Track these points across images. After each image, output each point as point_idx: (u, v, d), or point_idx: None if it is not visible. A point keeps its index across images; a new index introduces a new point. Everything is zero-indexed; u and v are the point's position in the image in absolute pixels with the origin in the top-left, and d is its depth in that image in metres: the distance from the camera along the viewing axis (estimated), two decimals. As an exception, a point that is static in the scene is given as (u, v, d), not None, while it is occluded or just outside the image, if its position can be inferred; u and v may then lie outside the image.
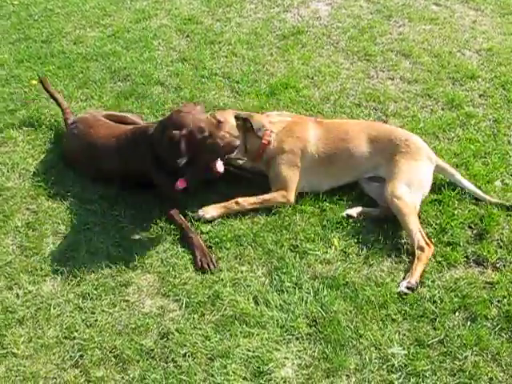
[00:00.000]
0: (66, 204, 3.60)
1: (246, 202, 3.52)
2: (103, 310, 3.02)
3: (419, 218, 3.40)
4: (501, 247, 3.31)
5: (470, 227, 3.43)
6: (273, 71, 4.81)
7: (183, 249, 3.32)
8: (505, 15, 5.61)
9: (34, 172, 3.85)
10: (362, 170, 3.65)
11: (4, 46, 5.26)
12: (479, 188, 3.59)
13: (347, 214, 3.48)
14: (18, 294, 3.11)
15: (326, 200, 3.58)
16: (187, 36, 5.33)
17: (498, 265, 3.23)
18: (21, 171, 3.86)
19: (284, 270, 3.18)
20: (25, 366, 2.78)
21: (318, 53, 5.01)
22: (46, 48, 5.21)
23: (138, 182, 3.59)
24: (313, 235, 3.37)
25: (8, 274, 3.21)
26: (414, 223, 3.30)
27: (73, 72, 4.84)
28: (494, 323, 2.93)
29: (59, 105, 4.21)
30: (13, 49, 5.21)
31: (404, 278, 3.13)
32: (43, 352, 2.84)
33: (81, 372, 2.77)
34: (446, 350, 2.82)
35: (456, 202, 3.54)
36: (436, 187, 3.62)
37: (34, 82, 4.69)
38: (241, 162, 3.73)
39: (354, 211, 3.49)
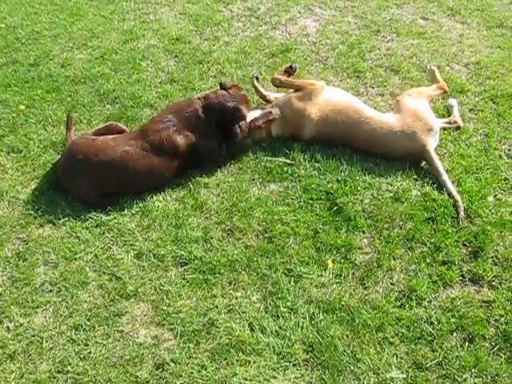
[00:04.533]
0: (57, 233, 3.55)
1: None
2: (97, 342, 2.97)
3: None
4: (496, 264, 3.29)
5: (464, 245, 3.41)
6: (262, 90, 4.78)
7: (176, 275, 3.29)
8: (491, 28, 5.62)
9: (23, 200, 3.79)
10: None
11: (-9, 70, 5.22)
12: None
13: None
14: (8, 328, 3.05)
15: (319, 222, 3.55)
16: (175, 56, 5.30)
17: (493, 283, 3.21)
18: (10, 199, 3.80)
19: (279, 295, 3.15)
20: (17, 404, 2.74)
21: (307, 70, 4.99)
22: (33, 71, 5.15)
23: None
24: (307, 258, 3.33)
25: (-2, 307, 3.16)
26: None
27: (61, 96, 4.79)
28: (492, 343, 2.92)
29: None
30: (0, 73, 5.16)
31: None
32: (36, 387, 2.80)
33: (75, 407, 2.73)
34: (444, 372, 2.80)
35: (449, 220, 3.52)
36: (429, 206, 3.61)
37: (22, 106, 4.65)
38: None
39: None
